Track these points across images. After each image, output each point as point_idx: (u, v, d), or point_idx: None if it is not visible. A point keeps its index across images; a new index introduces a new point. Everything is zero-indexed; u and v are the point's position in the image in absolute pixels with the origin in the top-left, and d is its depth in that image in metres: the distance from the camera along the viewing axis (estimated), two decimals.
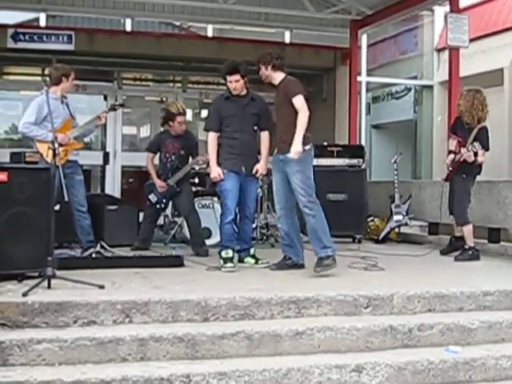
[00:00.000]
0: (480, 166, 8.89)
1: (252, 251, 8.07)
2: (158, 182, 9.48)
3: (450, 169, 9.00)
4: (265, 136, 8.00)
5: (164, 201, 9.56)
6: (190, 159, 9.65)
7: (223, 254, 7.68)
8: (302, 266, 7.56)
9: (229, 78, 7.82)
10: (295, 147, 7.13)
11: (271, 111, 7.94)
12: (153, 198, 9.54)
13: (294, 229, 7.61)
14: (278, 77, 7.63)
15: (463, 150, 8.72)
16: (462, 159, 8.76)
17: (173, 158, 9.53)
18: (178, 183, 9.44)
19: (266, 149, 7.98)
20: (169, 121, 9.55)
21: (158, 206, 9.56)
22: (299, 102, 7.31)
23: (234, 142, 7.81)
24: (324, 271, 7.05)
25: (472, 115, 8.81)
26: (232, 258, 7.68)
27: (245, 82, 7.92)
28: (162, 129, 10.02)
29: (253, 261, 7.98)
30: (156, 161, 9.83)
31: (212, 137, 7.87)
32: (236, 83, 7.81)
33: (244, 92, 7.95)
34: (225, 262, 7.60)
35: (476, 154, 8.68)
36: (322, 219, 7.27)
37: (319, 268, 7.08)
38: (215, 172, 7.73)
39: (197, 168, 10.74)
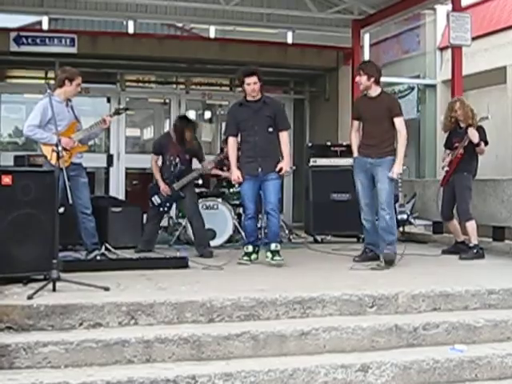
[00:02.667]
0: (477, 163, 8.98)
1: (273, 246, 8.15)
2: (163, 186, 9.47)
3: (447, 169, 9.12)
4: (284, 136, 8.31)
5: (167, 204, 9.57)
6: (196, 164, 9.67)
7: (244, 248, 8.41)
8: (378, 258, 8.18)
9: (247, 80, 8.16)
10: (397, 169, 8.16)
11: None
12: (156, 200, 9.53)
13: (374, 227, 8.36)
14: (376, 90, 8.38)
15: (468, 130, 8.82)
16: (465, 143, 8.92)
17: (177, 161, 9.51)
18: (182, 188, 9.44)
19: (287, 148, 8.34)
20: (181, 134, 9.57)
21: (160, 208, 9.55)
22: (401, 123, 8.30)
23: (249, 145, 8.22)
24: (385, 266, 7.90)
25: (468, 120, 8.95)
26: (251, 253, 8.29)
27: (261, 87, 8.23)
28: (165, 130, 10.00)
29: (270, 256, 8.12)
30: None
31: (231, 141, 8.36)
32: (254, 85, 8.14)
33: (258, 96, 8.24)
34: (243, 256, 8.33)
35: (481, 139, 8.88)
36: (394, 221, 8.31)
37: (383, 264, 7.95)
38: (235, 175, 8.24)
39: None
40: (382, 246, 8.13)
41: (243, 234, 10.24)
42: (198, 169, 9.64)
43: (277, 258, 8.06)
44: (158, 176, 9.60)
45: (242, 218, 11.39)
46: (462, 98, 9.51)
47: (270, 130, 8.21)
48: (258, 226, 9.02)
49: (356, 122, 8.61)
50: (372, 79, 8.31)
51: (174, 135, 9.65)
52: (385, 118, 8.28)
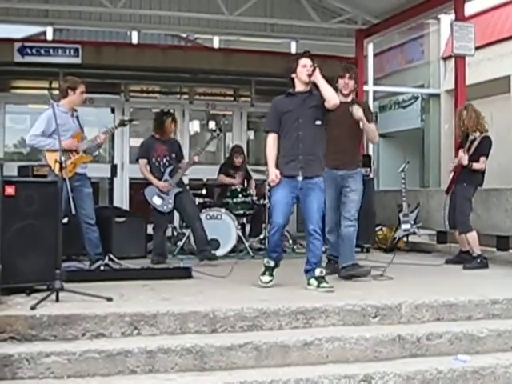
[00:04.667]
0: (482, 175, 8.96)
1: (317, 272, 7.06)
2: (163, 184, 9.41)
3: (451, 176, 9.13)
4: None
5: (170, 201, 9.43)
6: (183, 161, 9.81)
7: (265, 261, 7.28)
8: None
9: (303, 61, 7.14)
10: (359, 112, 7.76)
11: None
12: (157, 200, 9.43)
13: (338, 240, 7.95)
14: (351, 96, 8.09)
15: (460, 153, 8.81)
16: (458, 163, 8.94)
17: (164, 160, 9.55)
18: (177, 184, 9.49)
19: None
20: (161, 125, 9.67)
21: (164, 207, 9.43)
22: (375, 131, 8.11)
23: (289, 141, 7.10)
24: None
25: (476, 127, 8.92)
26: (272, 267, 7.21)
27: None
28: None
29: (315, 283, 6.99)
30: None
31: (271, 138, 7.19)
32: (311, 68, 7.07)
33: (308, 88, 7.22)
34: (263, 273, 7.18)
35: (474, 160, 8.81)
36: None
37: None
38: (272, 174, 7.08)
39: (205, 179, 10.83)
40: (347, 258, 7.82)
41: (249, 248, 10.25)
42: (187, 162, 9.77)
43: (324, 284, 6.93)
44: (151, 177, 9.52)
45: (247, 229, 11.46)
46: (469, 104, 9.39)
47: (318, 122, 7.12)
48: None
49: None
50: (356, 85, 8.11)
51: (154, 132, 9.76)
52: (356, 124, 7.88)
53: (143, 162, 9.67)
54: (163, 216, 9.57)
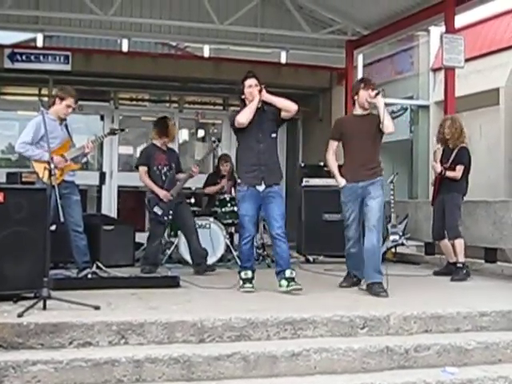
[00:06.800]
0: (466, 185, 9.12)
1: (288, 273, 7.37)
2: (163, 193, 9.30)
3: (433, 187, 9.40)
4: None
5: (170, 212, 9.36)
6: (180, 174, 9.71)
7: (242, 274, 7.60)
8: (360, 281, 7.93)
9: (248, 83, 7.64)
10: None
11: None
12: (158, 210, 9.33)
13: (362, 251, 7.69)
14: (368, 109, 7.89)
15: (432, 163, 9.25)
16: (437, 174, 9.20)
17: (165, 169, 9.49)
18: (178, 195, 9.46)
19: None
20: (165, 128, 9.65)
21: (165, 218, 9.35)
22: None
23: (253, 153, 7.57)
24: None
25: (456, 140, 9.14)
26: (251, 278, 7.57)
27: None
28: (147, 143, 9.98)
29: (285, 284, 7.34)
30: None
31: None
32: (255, 87, 7.56)
33: (259, 105, 7.60)
34: (244, 283, 7.55)
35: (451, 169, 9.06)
36: (380, 243, 7.96)
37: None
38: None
39: (193, 188, 10.80)
40: (369, 274, 7.48)
41: (237, 258, 10.23)
42: (185, 175, 9.66)
43: (292, 284, 7.28)
44: (153, 185, 9.37)
45: (235, 238, 11.42)
46: (455, 116, 9.54)
47: (274, 135, 7.66)
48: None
49: (335, 144, 8.06)
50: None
51: (157, 139, 9.68)
52: (377, 137, 7.79)
53: (143, 169, 9.52)
54: (162, 226, 9.55)
